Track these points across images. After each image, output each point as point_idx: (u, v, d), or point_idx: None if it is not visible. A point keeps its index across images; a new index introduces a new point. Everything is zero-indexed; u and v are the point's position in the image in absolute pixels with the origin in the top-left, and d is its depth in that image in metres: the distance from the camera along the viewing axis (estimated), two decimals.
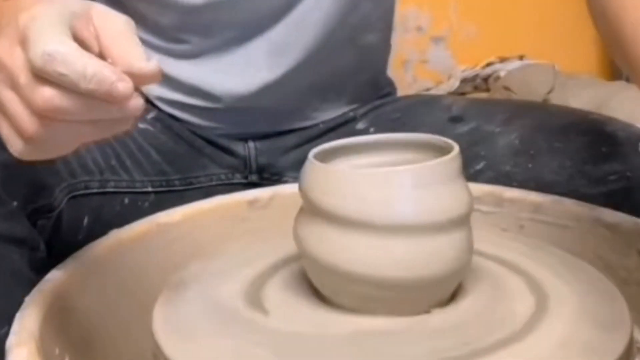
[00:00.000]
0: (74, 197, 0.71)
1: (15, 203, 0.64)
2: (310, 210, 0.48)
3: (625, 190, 0.70)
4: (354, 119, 0.91)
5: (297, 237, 0.49)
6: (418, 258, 0.45)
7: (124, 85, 0.42)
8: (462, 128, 0.81)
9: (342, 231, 0.45)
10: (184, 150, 0.86)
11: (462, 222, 0.47)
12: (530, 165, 0.74)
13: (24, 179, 0.65)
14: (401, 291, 0.46)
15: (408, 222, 0.45)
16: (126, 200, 0.77)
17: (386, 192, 0.45)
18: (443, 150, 0.48)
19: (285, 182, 0.88)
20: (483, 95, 1.81)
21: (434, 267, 0.45)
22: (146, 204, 0.79)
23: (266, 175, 0.90)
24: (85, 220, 0.73)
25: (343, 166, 0.50)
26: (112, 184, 0.76)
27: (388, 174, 0.45)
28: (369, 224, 0.45)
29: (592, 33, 1.95)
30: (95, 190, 0.74)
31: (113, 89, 0.41)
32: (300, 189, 0.48)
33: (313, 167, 0.47)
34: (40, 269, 0.64)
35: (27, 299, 0.48)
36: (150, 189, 0.80)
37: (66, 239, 0.70)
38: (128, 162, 0.78)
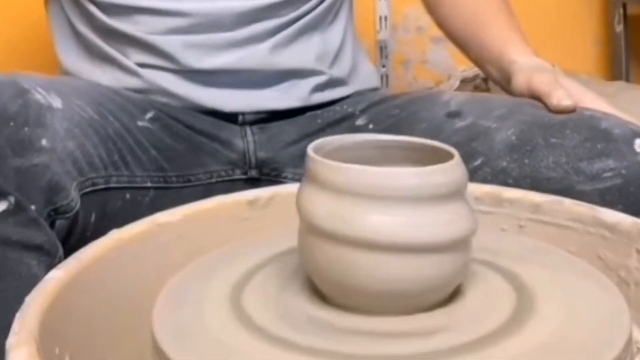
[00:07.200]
0: (84, 194, 0.71)
1: (33, 207, 0.63)
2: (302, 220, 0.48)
3: (620, 187, 0.70)
4: (353, 115, 0.92)
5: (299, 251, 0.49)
6: (412, 275, 0.45)
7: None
8: (460, 123, 0.81)
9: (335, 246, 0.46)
10: (183, 148, 0.86)
11: (463, 244, 0.47)
12: (526, 161, 0.74)
13: (39, 182, 0.65)
14: (392, 300, 0.46)
15: (405, 242, 0.45)
16: (127, 196, 0.77)
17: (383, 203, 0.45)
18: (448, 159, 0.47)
19: (285, 177, 0.89)
20: None
21: (425, 283, 0.46)
22: (146, 199, 0.80)
23: (265, 171, 0.91)
24: (93, 217, 0.73)
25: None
26: (114, 179, 0.76)
27: (388, 174, 0.45)
28: (361, 242, 0.45)
29: (592, 33, 1.96)
30: (101, 187, 0.74)
31: None
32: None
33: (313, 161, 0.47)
34: None
35: (27, 299, 0.48)
36: (149, 184, 0.81)
37: (78, 237, 0.70)
38: (129, 158, 0.78)
